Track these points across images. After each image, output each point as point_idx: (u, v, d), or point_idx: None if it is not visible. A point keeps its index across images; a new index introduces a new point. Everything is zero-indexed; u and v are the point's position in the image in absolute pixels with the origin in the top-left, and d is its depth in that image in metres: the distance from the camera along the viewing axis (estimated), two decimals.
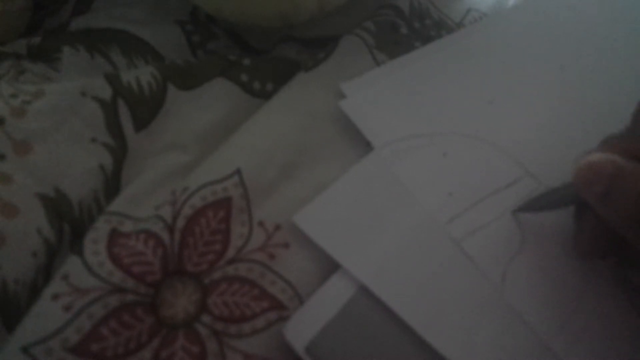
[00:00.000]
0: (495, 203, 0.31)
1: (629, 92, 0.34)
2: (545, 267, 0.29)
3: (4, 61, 0.36)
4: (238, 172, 0.30)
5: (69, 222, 0.28)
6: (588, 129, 0.32)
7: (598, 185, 0.25)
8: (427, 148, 0.33)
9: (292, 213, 0.29)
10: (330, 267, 0.28)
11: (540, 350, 0.27)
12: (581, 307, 0.28)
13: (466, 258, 0.29)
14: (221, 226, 0.28)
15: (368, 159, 0.32)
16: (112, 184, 0.30)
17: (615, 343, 0.28)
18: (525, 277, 0.29)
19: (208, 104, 0.33)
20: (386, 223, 0.30)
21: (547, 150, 0.33)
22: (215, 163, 0.30)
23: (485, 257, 0.29)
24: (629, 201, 0.24)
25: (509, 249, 0.29)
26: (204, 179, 0.29)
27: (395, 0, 0.40)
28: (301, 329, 0.26)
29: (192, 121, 0.33)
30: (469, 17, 0.42)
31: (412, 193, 0.31)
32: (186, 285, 0.26)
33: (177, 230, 0.27)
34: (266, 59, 0.37)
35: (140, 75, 0.32)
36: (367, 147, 0.33)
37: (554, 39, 0.39)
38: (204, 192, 0.29)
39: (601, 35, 0.39)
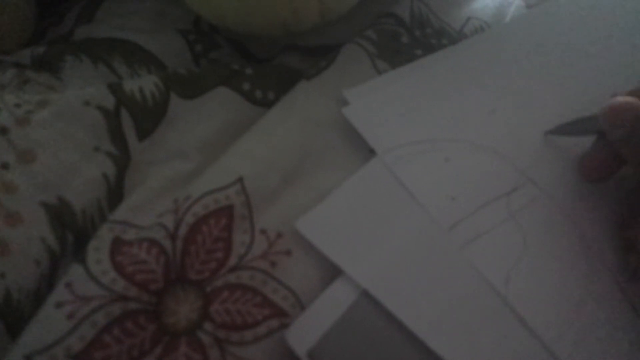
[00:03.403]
0: (497, 209, 0.31)
1: None
2: (547, 272, 0.29)
3: (8, 71, 0.36)
4: (240, 180, 0.30)
5: (72, 231, 0.28)
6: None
7: (621, 128, 0.27)
8: (430, 154, 0.33)
9: (293, 220, 0.29)
10: (332, 274, 0.28)
11: (543, 354, 0.27)
12: (584, 311, 0.28)
13: (469, 264, 0.29)
14: (223, 234, 0.28)
15: (370, 165, 0.32)
16: (115, 193, 0.30)
17: (618, 347, 0.28)
18: (528, 282, 0.29)
19: (210, 113, 0.33)
20: (388, 229, 0.30)
21: (548, 157, 0.33)
22: (217, 171, 0.30)
23: (487, 262, 0.29)
24: None
25: (512, 255, 0.30)
26: (206, 187, 0.29)
27: (395, 9, 0.40)
28: (303, 334, 0.26)
29: (194, 130, 0.33)
30: (469, 25, 0.42)
31: (414, 198, 0.31)
32: (188, 293, 0.27)
33: (180, 238, 0.27)
34: (268, 68, 0.38)
35: (143, 84, 0.33)
36: (369, 154, 0.33)
37: (554, 50, 0.39)
38: (206, 200, 0.29)
39: (602, 45, 0.40)
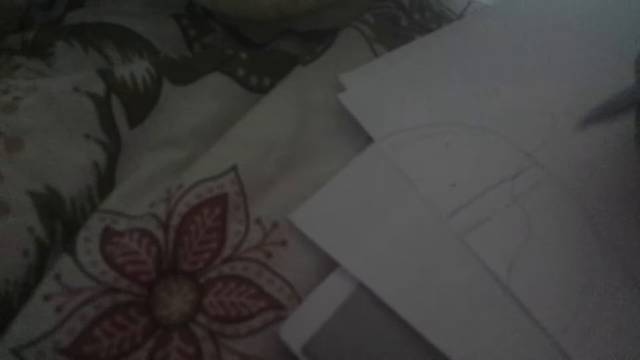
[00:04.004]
0: (500, 194, 0.30)
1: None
2: (553, 259, 0.29)
3: None
4: (234, 168, 0.29)
5: (61, 220, 0.27)
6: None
7: None
8: (429, 139, 0.32)
9: (289, 210, 0.29)
10: (329, 265, 0.28)
11: (548, 346, 0.26)
12: (590, 300, 0.27)
13: (470, 252, 0.28)
14: (217, 224, 0.27)
15: (368, 152, 0.31)
16: (106, 181, 0.29)
17: (628, 338, 0.27)
18: (532, 270, 0.28)
19: (204, 99, 0.33)
20: (386, 218, 0.29)
21: (554, 140, 0.32)
22: (210, 159, 0.30)
23: (490, 250, 0.28)
24: None
25: (515, 241, 0.29)
26: (199, 176, 0.29)
27: None
28: (298, 329, 0.25)
29: (187, 117, 0.32)
30: (470, 8, 0.41)
31: (413, 185, 0.30)
32: (181, 284, 0.26)
33: (172, 228, 0.27)
34: (263, 53, 0.37)
35: (135, 70, 0.32)
36: (366, 141, 0.32)
37: (558, 28, 0.39)
38: (199, 189, 0.28)
39: (605, 22, 0.39)
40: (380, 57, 0.36)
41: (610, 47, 0.37)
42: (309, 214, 0.29)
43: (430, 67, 0.36)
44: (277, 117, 0.32)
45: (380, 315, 0.26)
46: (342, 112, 0.33)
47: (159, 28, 0.38)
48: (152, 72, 0.32)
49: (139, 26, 0.38)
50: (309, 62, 0.35)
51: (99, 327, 0.24)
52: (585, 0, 0.40)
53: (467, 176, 0.31)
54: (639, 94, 0.28)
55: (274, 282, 0.27)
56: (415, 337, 0.26)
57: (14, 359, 0.23)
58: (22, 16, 0.41)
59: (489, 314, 0.27)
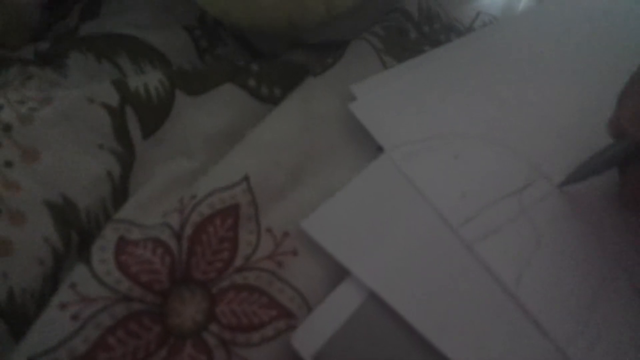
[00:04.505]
0: (509, 206, 0.31)
1: None
2: (561, 271, 0.29)
3: (12, 67, 0.35)
4: (246, 178, 0.29)
5: (76, 230, 0.28)
6: (601, 130, 0.31)
7: None
8: (439, 150, 0.32)
9: (300, 219, 0.29)
10: (339, 274, 0.28)
11: (555, 356, 0.26)
12: (599, 312, 0.28)
13: (479, 262, 0.28)
14: (229, 234, 0.28)
15: (378, 162, 0.32)
16: (120, 191, 0.30)
17: (632, 350, 0.27)
18: (540, 281, 0.28)
19: (216, 110, 0.33)
20: (397, 227, 0.29)
21: (561, 152, 0.33)
22: (223, 169, 0.30)
23: (499, 260, 0.29)
24: None
25: (524, 252, 0.29)
26: (212, 186, 0.29)
27: (404, 4, 0.40)
28: (309, 338, 0.26)
29: (200, 127, 0.32)
30: (479, 20, 0.42)
31: (423, 195, 0.30)
32: (194, 293, 0.26)
33: (185, 238, 0.27)
34: (274, 64, 0.37)
35: (148, 81, 0.32)
36: (377, 151, 0.33)
37: (565, 40, 0.39)
38: (212, 199, 0.28)
39: (612, 35, 0.39)
40: (391, 68, 0.36)
41: (618, 60, 0.37)
42: (321, 222, 0.29)
43: (440, 78, 0.36)
44: (288, 128, 0.33)
45: (391, 324, 0.26)
46: (353, 122, 0.33)
47: (171, 39, 0.39)
48: (165, 83, 0.32)
49: (151, 37, 0.38)
50: (319, 74, 0.36)
51: (113, 335, 0.24)
52: (592, 12, 0.41)
53: (476, 187, 0.31)
54: (618, 152, 0.29)
55: (285, 291, 0.27)
56: (425, 347, 0.26)
57: None
58: (36, 27, 0.42)
59: (499, 324, 0.27)
